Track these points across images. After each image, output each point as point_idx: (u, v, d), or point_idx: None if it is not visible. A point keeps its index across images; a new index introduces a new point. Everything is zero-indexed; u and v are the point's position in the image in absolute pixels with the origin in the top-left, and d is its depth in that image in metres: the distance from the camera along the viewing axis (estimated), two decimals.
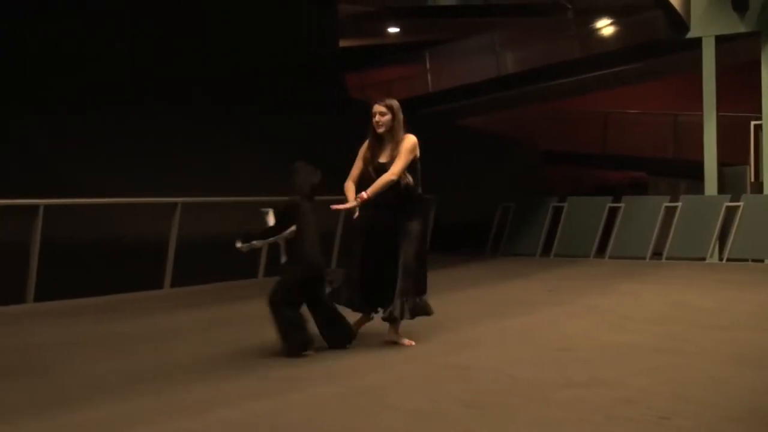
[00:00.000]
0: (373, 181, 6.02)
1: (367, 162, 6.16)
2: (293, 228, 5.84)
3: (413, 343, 6.14)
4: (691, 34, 15.27)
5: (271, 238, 5.96)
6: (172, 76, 12.39)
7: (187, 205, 10.62)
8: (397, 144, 6.05)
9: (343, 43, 19.89)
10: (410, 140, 6.08)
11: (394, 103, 6.13)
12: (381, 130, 6.08)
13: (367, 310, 6.32)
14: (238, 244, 5.95)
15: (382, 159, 6.09)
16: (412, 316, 6.10)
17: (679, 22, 15.03)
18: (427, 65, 19.97)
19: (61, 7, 11.23)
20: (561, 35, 18.44)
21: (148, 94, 11.80)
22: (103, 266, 10.12)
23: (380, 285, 6.11)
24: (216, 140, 12.60)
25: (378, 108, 6.09)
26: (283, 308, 5.76)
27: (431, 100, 19.10)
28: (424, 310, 6.17)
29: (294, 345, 5.71)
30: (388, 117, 6.06)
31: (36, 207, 9.19)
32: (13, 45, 10.59)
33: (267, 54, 14.53)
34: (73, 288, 9.46)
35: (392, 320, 6.11)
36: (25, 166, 10.17)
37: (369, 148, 6.18)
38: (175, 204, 10.57)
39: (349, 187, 6.15)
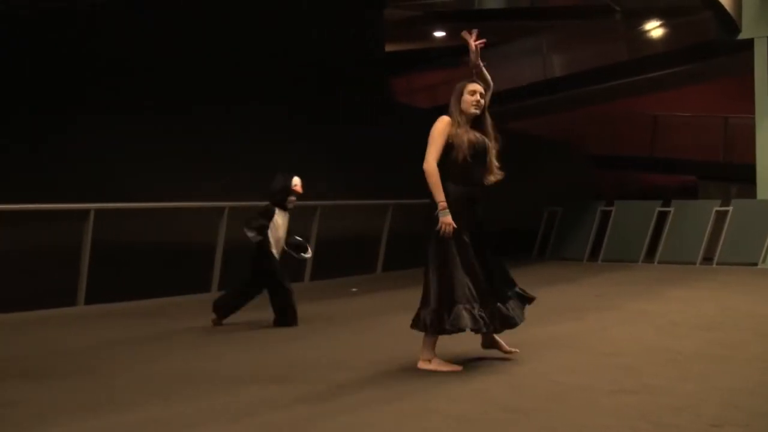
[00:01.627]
0: (466, 149, 5.40)
1: (451, 135, 5.42)
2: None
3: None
4: (742, 35, 15.03)
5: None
6: (219, 82, 12.51)
7: (234, 210, 10.73)
8: (488, 125, 5.60)
9: (388, 48, 19.92)
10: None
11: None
12: (478, 111, 5.54)
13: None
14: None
15: (480, 138, 5.53)
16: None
17: (729, 23, 14.80)
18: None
19: (110, 13, 11.41)
20: (609, 38, 18.27)
21: (195, 99, 11.94)
22: (151, 269, 10.25)
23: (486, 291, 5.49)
24: (262, 145, 12.69)
25: (479, 87, 5.57)
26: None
27: None
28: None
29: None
30: (484, 100, 5.58)
31: (87, 211, 9.36)
32: (60, 50, 10.78)
33: (313, 59, 14.61)
34: (123, 291, 9.61)
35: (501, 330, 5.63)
36: (76, 171, 10.35)
37: (455, 125, 5.46)
38: (223, 208, 10.69)
39: (437, 174, 5.38)
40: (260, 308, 9.28)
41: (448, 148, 5.43)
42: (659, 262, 14.63)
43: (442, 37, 23.23)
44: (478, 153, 5.49)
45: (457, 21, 22.68)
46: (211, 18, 12.81)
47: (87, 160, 10.52)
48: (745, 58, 15.41)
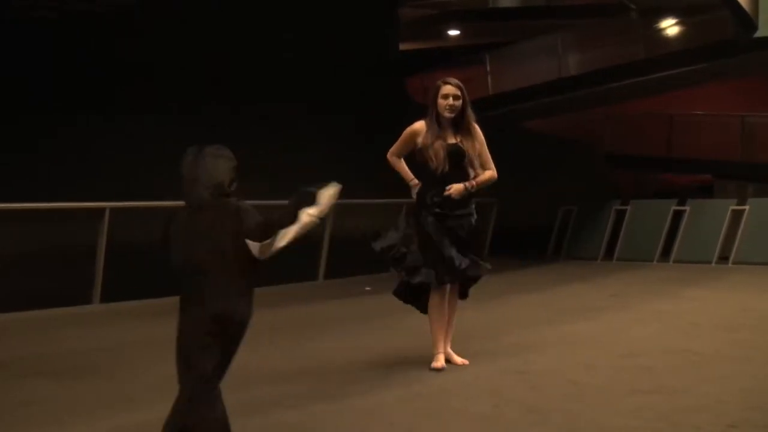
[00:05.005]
0: (442, 160, 5.41)
1: (423, 146, 5.47)
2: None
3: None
4: (759, 33, 14.90)
5: None
6: (234, 83, 12.54)
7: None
8: (468, 127, 5.50)
9: (403, 47, 19.91)
10: (480, 131, 5.60)
11: (461, 83, 5.53)
12: (452, 115, 5.47)
13: None
14: None
15: (452, 140, 5.48)
16: None
17: (746, 21, 14.69)
18: (488, 68, 19.84)
19: (132, 15, 11.47)
20: (624, 36, 18.16)
21: (210, 98, 11.96)
22: (166, 268, 10.26)
23: None
24: (279, 145, 12.72)
25: (452, 90, 5.46)
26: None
27: (491, 102, 19.00)
28: None
29: None
30: (460, 102, 5.47)
31: (102, 210, 9.39)
32: (81, 52, 10.85)
33: (330, 59, 14.61)
34: (138, 289, 9.62)
35: None
36: (92, 170, 10.40)
37: (428, 129, 5.49)
38: None
39: (399, 161, 5.71)
40: (270, 306, 9.29)
41: (422, 158, 5.52)
42: (674, 262, 14.53)
43: (457, 36, 23.20)
44: (453, 159, 5.45)
45: (471, 20, 22.65)
46: (230, 19, 12.83)
47: (103, 160, 10.56)
48: (762, 57, 15.29)
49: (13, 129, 9.72)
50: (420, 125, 5.58)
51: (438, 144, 5.46)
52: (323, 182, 3.68)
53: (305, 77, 13.81)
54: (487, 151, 5.63)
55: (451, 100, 5.46)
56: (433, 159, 5.45)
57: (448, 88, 5.48)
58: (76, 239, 9.52)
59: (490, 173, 5.61)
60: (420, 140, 5.53)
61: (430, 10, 21.98)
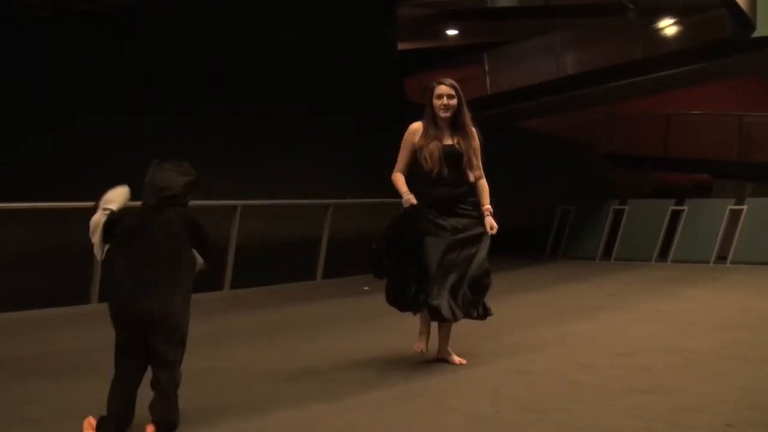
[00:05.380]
0: (437, 161, 5.41)
1: (419, 147, 5.49)
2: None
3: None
4: (757, 33, 14.92)
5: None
6: (234, 83, 12.55)
7: (247, 208, 10.73)
8: (465, 128, 5.53)
9: (401, 46, 19.91)
10: (476, 135, 5.59)
11: (456, 83, 5.57)
12: (448, 114, 5.51)
13: None
14: None
15: (448, 141, 5.50)
16: None
17: (744, 21, 14.71)
18: (486, 67, 19.85)
19: (130, 18, 11.48)
20: (622, 36, 18.18)
21: (210, 98, 11.97)
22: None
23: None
24: (279, 145, 12.72)
25: (446, 90, 5.51)
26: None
27: (490, 102, 19.01)
28: None
29: None
30: (455, 100, 5.51)
31: None
32: (81, 52, 10.86)
33: (330, 59, 14.63)
34: None
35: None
36: (92, 170, 10.40)
37: (425, 131, 5.52)
38: (236, 207, 10.70)
39: (400, 178, 5.58)
40: (269, 306, 9.30)
41: (418, 159, 5.52)
42: (672, 261, 14.56)
43: (455, 36, 23.22)
44: (449, 160, 5.48)
45: (469, 19, 22.66)
46: (230, 19, 12.85)
47: (103, 160, 10.56)
48: (760, 56, 15.30)
49: (13, 129, 9.73)
50: (417, 125, 5.61)
51: (433, 145, 5.47)
52: None
53: (305, 77, 13.82)
54: (479, 156, 5.63)
55: (445, 100, 5.49)
56: (428, 160, 5.46)
57: (442, 88, 5.53)
58: (75, 239, 9.51)
59: (486, 185, 5.67)
60: (417, 140, 5.54)
61: (429, 9, 21.99)
